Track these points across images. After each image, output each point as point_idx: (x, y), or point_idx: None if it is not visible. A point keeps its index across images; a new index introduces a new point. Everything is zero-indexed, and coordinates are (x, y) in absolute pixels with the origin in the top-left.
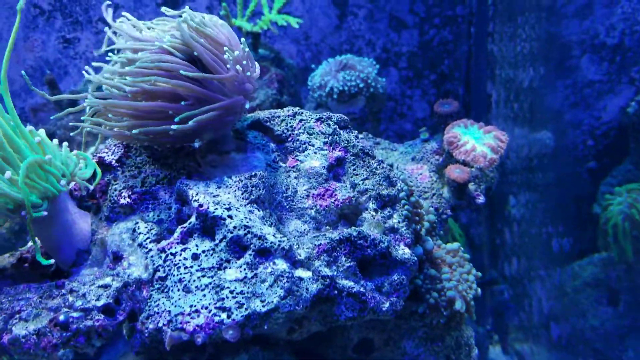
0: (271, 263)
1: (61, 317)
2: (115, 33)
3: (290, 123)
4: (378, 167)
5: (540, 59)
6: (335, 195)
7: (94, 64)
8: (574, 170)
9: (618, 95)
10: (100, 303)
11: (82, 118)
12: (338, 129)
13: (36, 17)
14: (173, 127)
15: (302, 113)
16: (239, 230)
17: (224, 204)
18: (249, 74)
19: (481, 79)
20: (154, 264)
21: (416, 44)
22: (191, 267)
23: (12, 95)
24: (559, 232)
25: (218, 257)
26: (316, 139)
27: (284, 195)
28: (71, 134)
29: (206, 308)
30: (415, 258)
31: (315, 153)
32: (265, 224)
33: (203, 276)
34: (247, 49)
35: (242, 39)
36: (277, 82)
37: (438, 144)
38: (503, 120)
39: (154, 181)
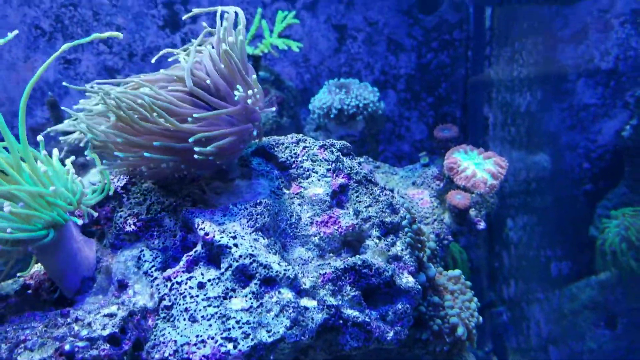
0: (277, 292)
1: (67, 347)
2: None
3: (294, 150)
4: (381, 194)
5: (537, 83)
6: (339, 222)
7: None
8: (570, 192)
9: (613, 119)
10: (106, 332)
11: (87, 152)
12: (341, 156)
13: (37, 38)
14: (196, 149)
15: (306, 140)
16: (244, 259)
17: (230, 233)
18: (256, 105)
19: (478, 102)
20: (159, 293)
21: (414, 67)
22: (197, 296)
23: (12, 115)
24: (557, 256)
25: (224, 286)
26: (320, 166)
27: (288, 222)
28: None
29: (212, 338)
30: (419, 287)
31: (319, 180)
32: (270, 252)
33: (209, 305)
34: (256, 77)
35: (254, 76)
36: (277, 104)
37: (438, 169)
38: (500, 143)
39: (159, 208)
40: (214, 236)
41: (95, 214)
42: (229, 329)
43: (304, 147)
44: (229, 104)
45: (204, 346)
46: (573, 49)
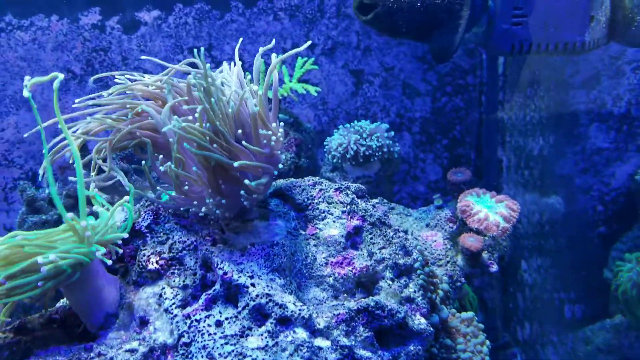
0: (291, 332)
1: None
2: None
3: (310, 192)
4: (394, 236)
5: (550, 128)
6: (353, 263)
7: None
8: (584, 235)
9: (626, 163)
10: None
11: (129, 188)
12: (356, 199)
13: (69, 81)
14: (253, 183)
15: (322, 183)
16: (261, 298)
17: (247, 272)
18: (278, 149)
19: (492, 145)
20: (179, 330)
21: (429, 110)
22: (215, 334)
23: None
24: (571, 298)
25: (241, 324)
26: (335, 208)
27: (304, 262)
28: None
29: None
30: (432, 329)
31: (334, 222)
32: (285, 292)
33: (226, 343)
34: (281, 123)
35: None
36: (296, 146)
37: (451, 211)
38: (514, 185)
39: (181, 247)
40: (232, 275)
41: (120, 251)
42: None
43: (320, 190)
44: (253, 145)
45: None
46: (585, 95)
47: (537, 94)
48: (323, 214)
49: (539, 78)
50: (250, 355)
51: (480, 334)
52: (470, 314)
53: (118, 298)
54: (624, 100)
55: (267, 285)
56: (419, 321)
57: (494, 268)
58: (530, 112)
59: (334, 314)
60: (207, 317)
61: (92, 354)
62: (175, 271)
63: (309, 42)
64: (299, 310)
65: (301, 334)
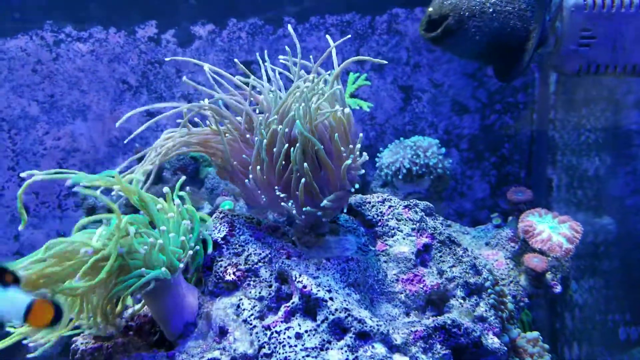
0: (370, 347)
1: None
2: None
3: (380, 209)
4: (464, 255)
5: (606, 148)
6: (424, 281)
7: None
8: (637, 256)
9: None
10: None
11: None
12: (424, 216)
13: (124, 92)
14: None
15: (391, 199)
16: (340, 312)
17: (325, 286)
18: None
19: (542, 164)
20: (259, 341)
21: (477, 127)
22: (295, 346)
23: (95, 163)
24: (626, 321)
25: (320, 337)
26: (405, 225)
27: (375, 278)
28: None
29: None
30: (505, 348)
31: (404, 239)
32: (361, 307)
33: (307, 356)
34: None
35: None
36: None
37: (512, 231)
38: (565, 204)
39: (256, 259)
40: (311, 289)
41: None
42: None
43: (390, 207)
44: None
45: None
46: (637, 115)
47: (594, 114)
48: (393, 231)
49: (593, 97)
50: None
51: (546, 354)
52: (535, 334)
53: (197, 308)
54: None
55: (345, 300)
56: (492, 340)
57: (558, 289)
58: (585, 132)
59: (410, 331)
60: (287, 329)
61: None
62: (251, 282)
63: (382, 61)
64: (377, 325)
65: (380, 349)
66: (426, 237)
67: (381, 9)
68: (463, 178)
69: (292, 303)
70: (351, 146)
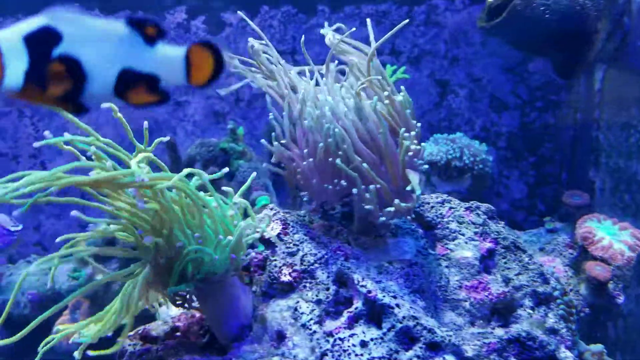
0: (441, 358)
1: None
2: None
3: (439, 210)
4: (530, 262)
5: None
6: (489, 288)
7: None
8: None
9: None
10: None
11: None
12: (487, 220)
13: None
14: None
15: (451, 201)
16: (408, 320)
17: (390, 292)
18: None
19: (584, 165)
20: (321, 348)
21: (517, 125)
22: (361, 355)
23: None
24: None
25: (387, 347)
26: (467, 228)
27: (438, 284)
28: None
29: None
30: None
31: (467, 243)
32: (427, 315)
33: None
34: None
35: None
36: None
37: (569, 236)
38: (609, 209)
39: (312, 260)
40: (376, 294)
41: (247, 260)
42: None
43: (450, 208)
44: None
45: None
46: None
47: None
48: (454, 234)
49: None
50: None
51: None
52: (599, 346)
53: (252, 309)
54: None
55: (411, 307)
56: (565, 354)
57: (621, 299)
58: (635, 133)
59: (483, 343)
60: (351, 336)
61: None
62: (307, 284)
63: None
64: (448, 335)
65: None
66: (489, 241)
67: None
68: (500, 177)
69: (355, 308)
70: (413, 133)
